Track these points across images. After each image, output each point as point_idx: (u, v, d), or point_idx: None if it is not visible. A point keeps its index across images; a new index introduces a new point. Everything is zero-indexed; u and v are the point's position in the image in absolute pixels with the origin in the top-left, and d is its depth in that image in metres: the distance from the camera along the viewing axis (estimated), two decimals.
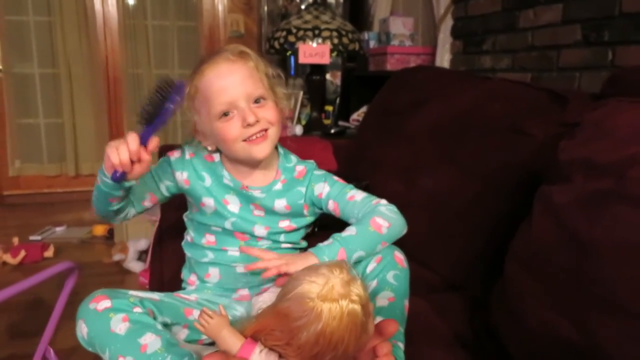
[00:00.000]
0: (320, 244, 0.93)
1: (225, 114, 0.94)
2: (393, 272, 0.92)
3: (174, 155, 1.05)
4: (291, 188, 1.05)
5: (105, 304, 0.82)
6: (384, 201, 1.04)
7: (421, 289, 1.09)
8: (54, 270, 0.91)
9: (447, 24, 2.44)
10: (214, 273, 1.05)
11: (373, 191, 1.53)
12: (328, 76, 3.82)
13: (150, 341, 0.79)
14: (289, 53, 2.45)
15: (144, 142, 0.85)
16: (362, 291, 0.64)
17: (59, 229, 2.97)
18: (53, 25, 3.53)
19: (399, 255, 0.96)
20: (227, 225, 1.03)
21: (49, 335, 0.97)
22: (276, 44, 2.35)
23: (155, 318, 0.86)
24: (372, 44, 2.86)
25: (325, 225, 1.19)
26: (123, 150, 0.83)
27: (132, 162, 0.85)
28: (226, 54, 0.96)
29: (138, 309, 0.83)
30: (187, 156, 1.04)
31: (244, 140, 0.95)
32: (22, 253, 2.44)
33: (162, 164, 1.05)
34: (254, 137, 0.95)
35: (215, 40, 3.89)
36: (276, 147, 1.07)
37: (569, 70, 1.77)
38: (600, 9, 1.62)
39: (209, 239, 1.06)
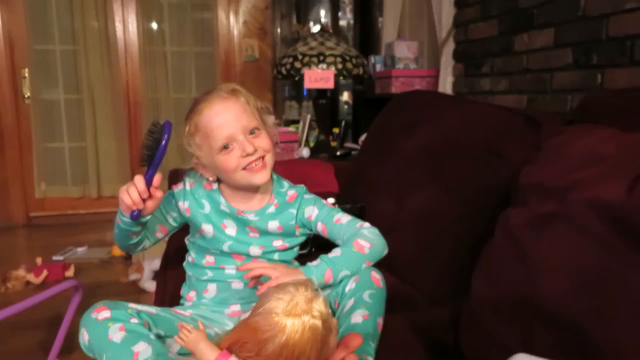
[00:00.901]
0: (309, 264, 1.03)
1: (226, 147, 1.03)
2: (369, 291, 1.00)
3: (177, 187, 1.16)
4: (283, 210, 1.15)
5: (105, 314, 0.91)
6: (367, 224, 1.13)
7: (403, 305, 1.15)
8: (60, 288, 1.00)
9: (449, 47, 2.51)
10: (211, 289, 1.14)
11: (368, 211, 1.60)
12: (346, 97, 3.92)
13: (142, 349, 0.87)
14: (296, 78, 2.55)
15: (149, 181, 0.97)
16: (324, 308, 0.71)
17: (80, 249, 3.10)
18: (77, 53, 3.72)
19: (376, 275, 1.04)
20: (225, 247, 1.12)
21: (57, 349, 1.06)
22: (283, 70, 2.45)
23: (150, 329, 0.94)
24: (379, 67, 2.95)
25: (322, 246, 1.26)
26: (133, 192, 0.96)
27: (144, 200, 0.97)
28: (219, 93, 1.06)
29: (134, 320, 0.92)
30: (188, 186, 1.15)
31: (244, 169, 1.05)
32: (45, 272, 2.57)
33: (167, 197, 1.15)
34: (254, 166, 1.05)
35: (231, 64, 4.03)
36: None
37: (561, 93, 1.82)
38: (589, 33, 1.68)
39: (209, 259, 1.15)
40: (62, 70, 3.74)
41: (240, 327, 0.75)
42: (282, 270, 0.98)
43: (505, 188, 1.14)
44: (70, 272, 2.64)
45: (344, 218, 1.14)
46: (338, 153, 2.47)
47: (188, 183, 1.15)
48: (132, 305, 0.97)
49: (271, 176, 1.16)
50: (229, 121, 1.03)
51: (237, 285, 1.12)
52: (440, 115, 1.51)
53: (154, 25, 3.90)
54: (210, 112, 1.03)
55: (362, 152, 1.95)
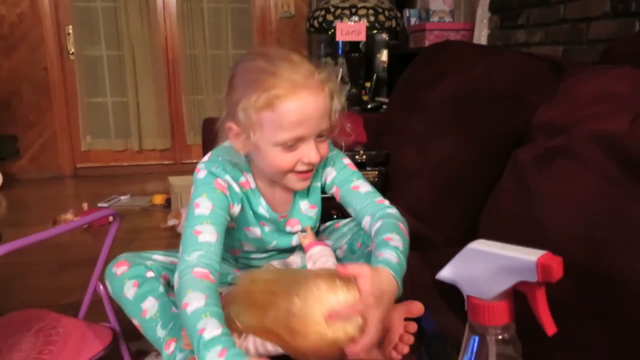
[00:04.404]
0: (389, 260, 0.86)
1: (290, 144, 0.90)
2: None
3: (222, 187, 0.97)
4: (311, 186, 1.06)
5: (124, 269, 0.97)
6: (387, 202, 1.03)
7: (421, 245, 1.20)
8: (99, 214, 1.10)
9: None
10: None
11: (392, 160, 1.64)
12: (384, 55, 3.89)
13: (149, 306, 0.92)
14: (330, 32, 2.55)
15: None
16: (357, 330, 0.73)
17: (123, 198, 3.27)
18: (118, 10, 3.81)
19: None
20: (270, 247, 1.07)
21: (98, 273, 1.17)
22: (315, 23, 2.46)
23: (169, 282, 0.98)
24: (414, 20, 2.91)
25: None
26: None
27: None
28: (308, 82, 0.89)
29: (151, 274, 0.96)
30: (236, 188, 1.00)
31: (293, 172, 0.95)
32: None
33: (220, 202, 0.95)
34: (304, 172, 0.95)
35: (267, 21, 4.04)
36: None
37: (598, 43, 1.77)
38: None
39: (236, 246, 1.09)
40: (103, 27, 3.85)
41: (272, 323, 0.76)
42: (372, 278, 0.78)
43: (524, 132, 1.15)
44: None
45: (363, 187, 1.04)
46: (369, 106, 2.49)
47: (232, 181, 0.99)
48: (155, 257, 1.01)
49: None
50: (309, 122, 0.89)
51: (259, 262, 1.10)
52: (465, 65, 1.51)
53: None
54: (296, 104, 0.87)
55: (390, 104, 1.97)
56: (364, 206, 1.01)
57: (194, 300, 0.77)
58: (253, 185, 1.02)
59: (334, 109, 0.94)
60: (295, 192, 1.06)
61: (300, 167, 0.93)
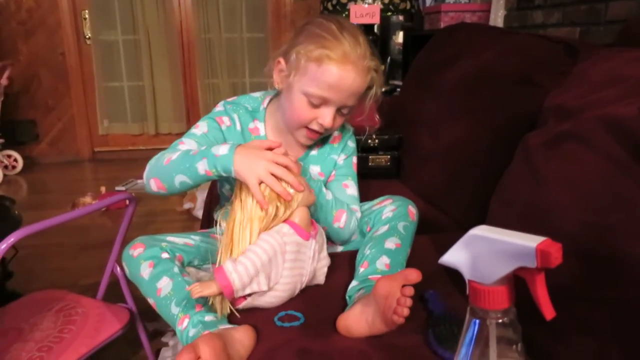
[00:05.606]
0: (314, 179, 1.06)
1: (314, 101, 1.00)
2: (403, 223, 1.05)
3: (224, 122, 1.10)
4: (326, 155, 1.14)
5: (140, 251, 0.98)
6: (358, 214, 1.12)
7: (432, 229, 1.21)
8: (115, 198, 1.12)
9: None
10: None
11: (406, 143, 1.64)
12: (399, 38, 3.84)
13: (164, 285, 0.94)
14: (344, 14, 2.53)
15: None
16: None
17: (140, 181, 3.31)
18: None
19: (412, 210, 1.09)
20: None
21: (115, 255, 1.20)
22: (329, 6, 2.44)
23: (183, 263, 1.01)
24: (429, 2, 2.87)
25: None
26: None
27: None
28: (359, 62, 0.98)
29: (165, 255, 0.98)
30: (238, 126, 1.10)
31: (305, 127, 1.04)
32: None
33: (214, 130, 1.08)
34: (313, 132, 1.05)
35: (282, 4, 4.02)
36: None
37: (616, 24, 1.74)
38: None
39: None
40: (119, 12, 3.87)
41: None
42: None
43: (535, 117, 1.14)
44: None
45: (351, 190, 1.13)
46: (383, 89, 2.47)
47: (237, 121, 1.10)
48: (170, 238, 1.03)
49: None
50: (340, 93, 0.98)
51: None
52: (479, 48, 1.50)
53: None
54: (339, 71, 0.96)
55: (404, 87, 1.96)
56: (342, 200, 1.10)
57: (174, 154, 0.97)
58: (262, 132, 1.11)
59: (369, 95, 1.05)
60: (307, 155, 1.13)
61: (314, 126, 1.03)
